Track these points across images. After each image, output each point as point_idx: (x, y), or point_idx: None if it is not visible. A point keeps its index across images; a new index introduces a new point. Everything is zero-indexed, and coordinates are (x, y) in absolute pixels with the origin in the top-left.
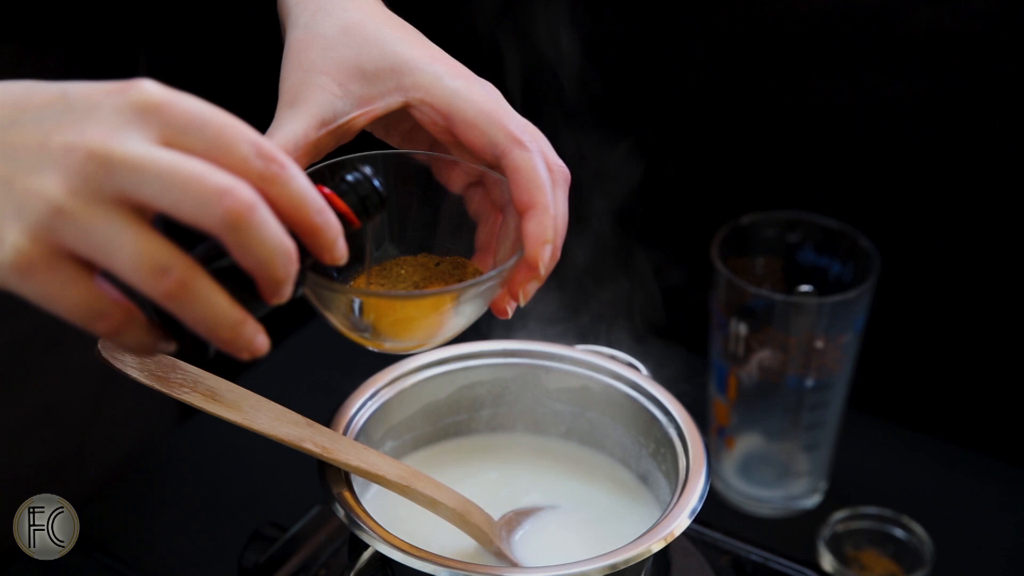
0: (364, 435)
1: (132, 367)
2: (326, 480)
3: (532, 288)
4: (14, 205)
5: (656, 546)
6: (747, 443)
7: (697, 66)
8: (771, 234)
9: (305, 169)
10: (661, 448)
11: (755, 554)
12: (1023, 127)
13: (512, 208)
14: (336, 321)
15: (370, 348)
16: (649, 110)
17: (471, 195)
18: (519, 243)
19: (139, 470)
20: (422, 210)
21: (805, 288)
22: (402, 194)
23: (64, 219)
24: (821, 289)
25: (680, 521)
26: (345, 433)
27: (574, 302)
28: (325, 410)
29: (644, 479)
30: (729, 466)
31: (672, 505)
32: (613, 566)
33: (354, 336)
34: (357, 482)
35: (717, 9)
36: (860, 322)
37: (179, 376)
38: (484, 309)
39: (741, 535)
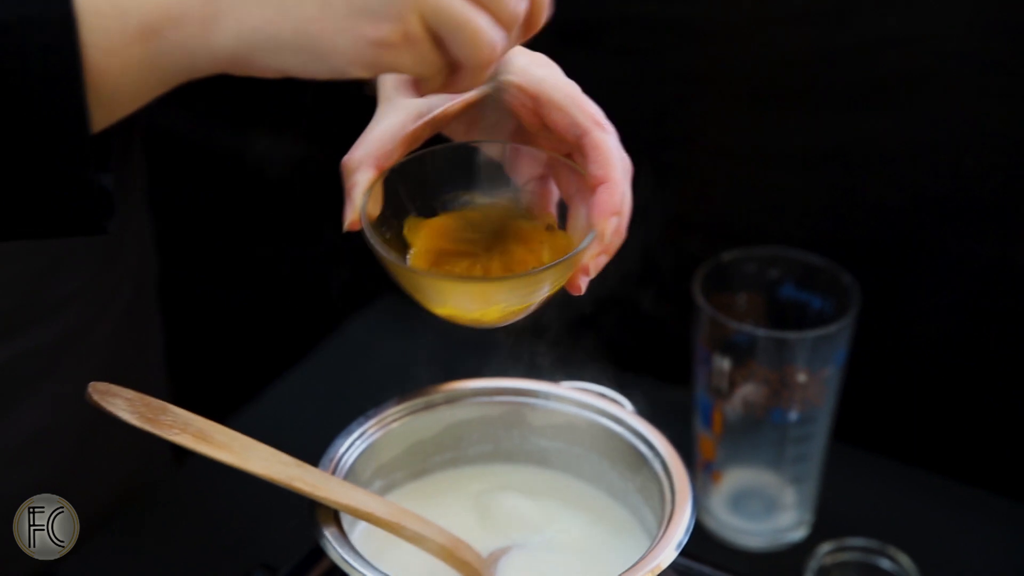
0: (353, 474)
1: (123, 410)
2: (316, 518)
3: (601, 261)
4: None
5: None
6: (734, 477)
7: (675, 106)
8: (752, 270)
9: (401, 158)
10: (647, 483)
11: None
12: (994, 162)
13: (581, 197)
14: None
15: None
16: (630, 150)
17: (531, 188)
18: (588, 227)
19: (130, 510)
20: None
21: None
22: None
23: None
24: (803, 323)
25: (666, 554)
26: (334, 472)
27: (560, 338)
28: (314, 451)
29: (632, 513)
30: (717, 500)
31: (658, 539)
32: None
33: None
34: (346, 520)
35: (695, 49)
36: (841, 356)
37: (169, 418)
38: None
39: (729, 568)
